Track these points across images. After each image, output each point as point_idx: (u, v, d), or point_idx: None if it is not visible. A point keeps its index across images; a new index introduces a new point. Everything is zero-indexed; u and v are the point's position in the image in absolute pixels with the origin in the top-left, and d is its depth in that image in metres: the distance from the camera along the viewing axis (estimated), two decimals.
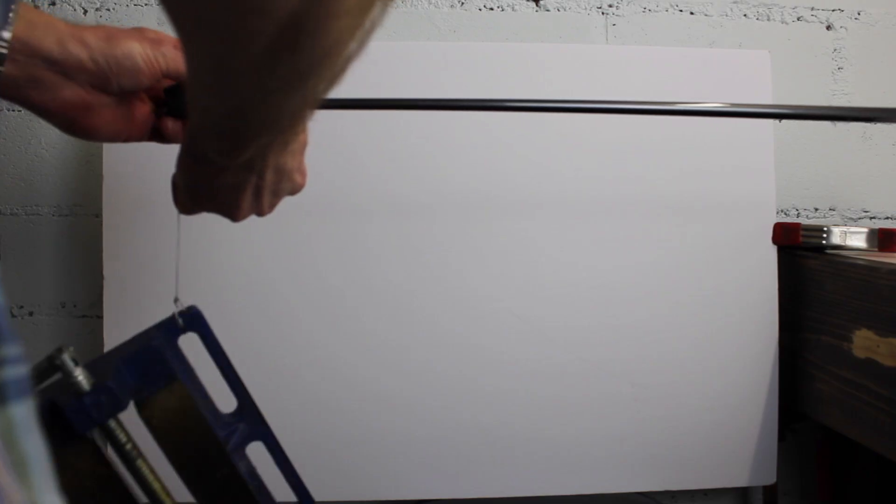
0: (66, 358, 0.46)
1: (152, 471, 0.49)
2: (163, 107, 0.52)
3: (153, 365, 0.49)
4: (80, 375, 0.46)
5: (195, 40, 0.32)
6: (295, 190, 0.52)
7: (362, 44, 0.31)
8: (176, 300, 0.53)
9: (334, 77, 0.33)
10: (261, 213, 0.51)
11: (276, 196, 0.50)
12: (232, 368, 0.55)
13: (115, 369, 0.48)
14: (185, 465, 0.51)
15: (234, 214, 0.50)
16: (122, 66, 0.47)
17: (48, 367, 0.46)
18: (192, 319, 0.54)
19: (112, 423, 0.48)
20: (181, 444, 0.50)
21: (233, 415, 0.55)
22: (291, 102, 0.35)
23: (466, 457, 0.74)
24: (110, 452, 0.49)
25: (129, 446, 0.48)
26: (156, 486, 0.49)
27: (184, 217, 0.53)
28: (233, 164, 0.44)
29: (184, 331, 0.53)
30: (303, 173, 0.51)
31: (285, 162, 0.48)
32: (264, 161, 0.46)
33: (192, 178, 0.48)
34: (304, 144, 0.50)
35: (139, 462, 0.49)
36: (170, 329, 0.53)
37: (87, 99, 0.48)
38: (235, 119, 0.37)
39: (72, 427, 0.45)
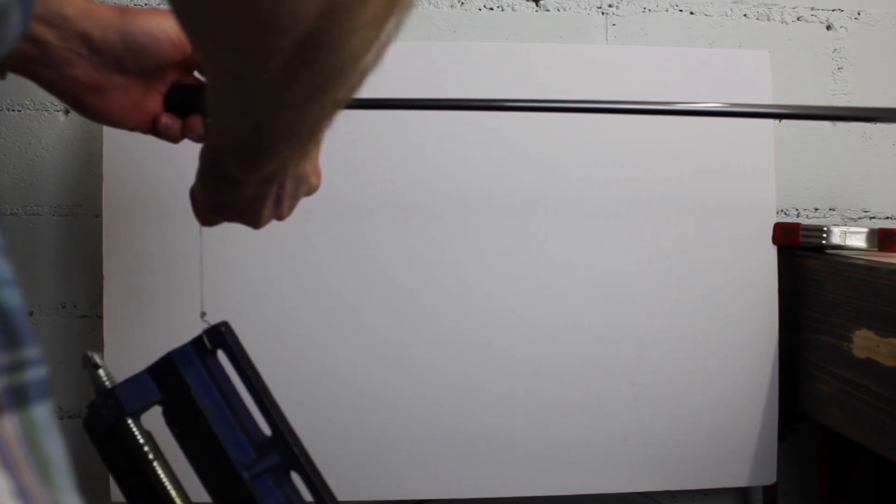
0: (89, 362, 0.48)
1: (170, 476, 0.49)
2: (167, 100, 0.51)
3: (170, 376, 0.49)
4: (105, 378, 0.48)
5: (214, 58, 0.32)
6: (311, 191, 0.52)
7: (378, 56, 0.31)
8: (203, 315, 0.53)
9: (351, 89, 0.33)
10: (280, 218, 0.51)
11: (295, 200, 0.51)
12: (259, 393, 0.53)
13: (133, 378, 0.49)
14: (207, 480, 0.51)
15: (255, 223, 0.50)
16: (139, 43, 0.46)
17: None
18: (219, 338, 0.52)
19: (132, 426, 0.48)
20: (200, 459, 0.50)
21: (270, 439, 0.53)
22: (310, 115, 0.36)
23: (466, 457, 0.74)
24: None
25: (145, 448, 0.49)
26: (171, 491, 0.49)
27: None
28: (253, 178, 0.44)
29: (211, 349, 0.52)
30: (318, 174, 0.51)
31: (303, 168, 0.48)
32: (284, 172, 0.46)
33: (212, 193, 0.48)
34: (319, 147, 0.50)
35: (155, 464, 0.49)
36: (200, 344, 0.52)
37: (97, 79, 0.47)
38: (255, 135, 0.38)
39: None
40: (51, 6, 0.44)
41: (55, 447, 0.26)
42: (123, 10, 0.46)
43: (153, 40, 0.46)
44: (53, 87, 0.47)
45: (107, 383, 0.48)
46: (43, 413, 0.26)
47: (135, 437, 0.48)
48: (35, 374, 0.26)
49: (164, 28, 0.46)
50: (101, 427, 0.48)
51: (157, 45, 0.46)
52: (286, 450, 0.52)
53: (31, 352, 0.26)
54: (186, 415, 0.50)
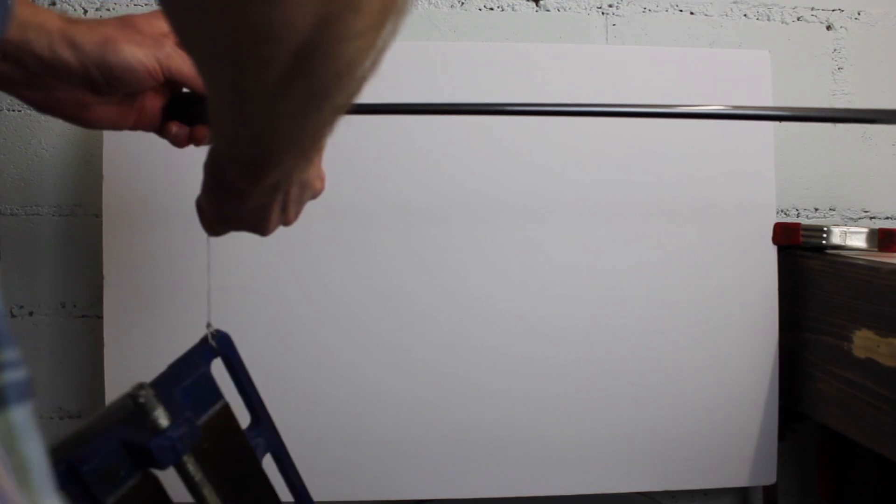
0: (150, 395, 0.45)
1: (220, 499, 0.49)
2: (170, 110, 0.52)
3: (205, 390, 0.50)
4: (159, 412, 0.45)
5: (210, 70, 0.33)
6: (315, 195, 0.52)
7: (376, 62, 0.31)
8: (209, 325, 0.54)
9: (350, 95, 0.33)
10: (287, 224, 0.51)
11: (300, 205, 0.51)
12: (254, 388, 0.55)
13: (180, 400, 0.47)
14: (226, 483, 0.50)
15: (262, 231, 0.50)
16: (114, 75, 0.47)
17: (129, 404, 0.45)
18: (223, 344, 0.54)
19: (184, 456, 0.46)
20: (223, 462, 0.50)
21: (250, 429, 0.56)
22: (310, 124, 0.35)
23: (466, 457, 0.74)
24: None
25: (198, 477, 0.47)
26: None
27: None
28: (258, 189, 0.44)
29: (216, 355, 0.54)
30: (322, 178, 0.51)
31: (307, 175, 0.48)
32: (289, 180, 0.46)
33: (218, 204, 0.48)
34: (322, 152, 0.50)
35: (206, 491, 0.47)
36: (206, 354, 0.53)
37: (82, 98, 0.48)
38: (257, 146, 0.38)
39: (155, 462, 0.44)
40: (28, 33, 0.44)
41: (34, 449, 0.26)
42: (104, 39, 0.46)
43: (130, 72, 0.47)
44: (40, 107, 0.48)
45: (163, 421, 0.44)
46: (22, 415, 0.26)
47: (188, 469, 0.46)
48: (13, 376, 0.26)
49: (141, 59, 0.47)
50: (166, 465, 0.44)
51: (134, 76, 0.47)
52: (271, 433, 0.56)
53: (9, 354, 0.26)
54: (220, 426, 0.50)
